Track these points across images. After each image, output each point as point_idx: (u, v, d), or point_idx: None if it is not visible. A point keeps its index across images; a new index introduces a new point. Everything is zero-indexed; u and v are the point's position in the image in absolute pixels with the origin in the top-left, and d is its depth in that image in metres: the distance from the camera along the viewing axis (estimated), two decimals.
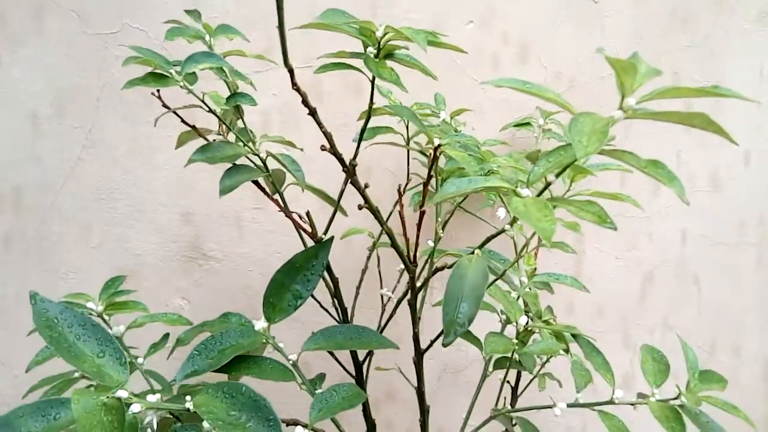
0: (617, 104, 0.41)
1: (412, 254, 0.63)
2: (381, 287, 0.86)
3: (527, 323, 0.67)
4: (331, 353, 0.77)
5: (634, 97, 0.41)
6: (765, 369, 1.16)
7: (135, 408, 0.47)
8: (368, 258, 0.84)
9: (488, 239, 0.56)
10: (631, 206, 1.09)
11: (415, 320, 0.66)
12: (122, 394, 0.47)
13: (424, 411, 0.69)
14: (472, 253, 0.57)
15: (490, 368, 0.76)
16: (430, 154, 0.59)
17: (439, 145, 0.59)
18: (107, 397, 0.42)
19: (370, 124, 0.64)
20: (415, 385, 0.69)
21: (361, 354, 0.77)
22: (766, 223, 1.13)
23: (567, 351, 0.76)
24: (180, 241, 0.99)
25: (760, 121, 1.10)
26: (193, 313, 1.00)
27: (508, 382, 0.85)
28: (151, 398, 0.52)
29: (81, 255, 0.97)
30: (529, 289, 0.77)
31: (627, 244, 1.10)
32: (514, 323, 0.68)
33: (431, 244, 0.69)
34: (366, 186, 0.64)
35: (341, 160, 0.61)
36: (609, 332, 1.10)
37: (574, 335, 0.70)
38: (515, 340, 0.67)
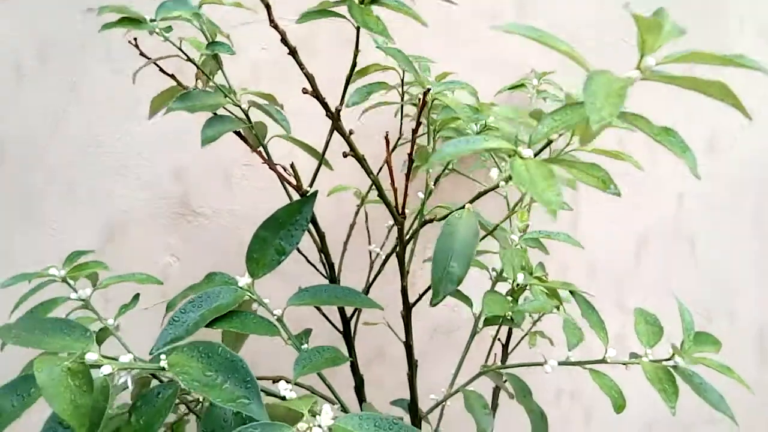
0: (634, 64, 0.38)
1: (400, 206, 0.61)
2: (369, 243, 0.85)
3: (523, 282, 0.66)
4: (320, 310, 0.76)
5: (654, 57, 0.38)
6: (759, 333, 1.15)
7: (105, 369, 0.45)
8: (356, 213, 0.83)
9: (479, 195, 0.54)
10: (628, 167, 1.07)
11: (403, 273, 0.65)
12: (91, 356, 0.46)
13: (412, 365, 0.69)
14: (463, 207, 0.56)
15: (480, 325, 0.75)
16: (419, 100, 0.57)
17: (429, 89, 0.57)
18: (71, 362, 0.40)
19: (363, 82, 0.62)
20: (403, 339, 0.68)
21: (349, 310, 0.76)
22: (763, 187, 1.11)
23: (559, 308, 0.76)
24: (168, 197, 0.97)
25: (762, 87, 1.08)
26: (182, 271, 0.99)
27: (499, 339, 0.84)
28: (124, 358, 0.51)
29: (67, 211, 0.96)
30: (520, 246, 0.75)
31: (623, 206, 1.08)
32: (510, 281, 0.66)
33: (421, 196, 0.67)
34: (351, 132, 0.62)
35: (324, 104, 0.58)
36: (603, 294, 1.09)
37: (571, 292, 0.69)
38: (510, 299, 0.66)
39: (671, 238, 1.10)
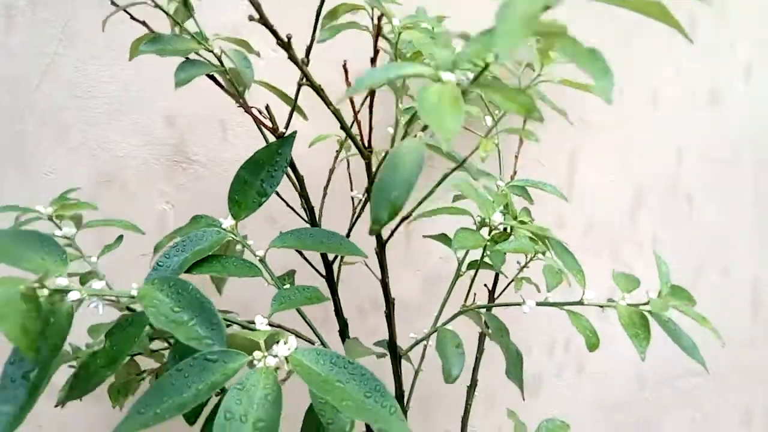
0: None
1: (366, 139, 0.60)
2: (351, 190, 0.84)
3: (503, 221, 0.66)
4: (302, 255, 0.77)
5: None
6: (753, 291, 1.14)
7: (73, 296, 0.46)
8: (335, 158, 0.83)
9: None
10: (627, 121, 1.06)
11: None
12: (62, 281, 0.46)
13: (389, 303, 0.69)
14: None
15: (463, 268, 0.75)
16: (375, 26, 0.56)
17: (382, 16, 0.56)
18: (26, 286, 0.41)
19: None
20: (379, 276, 0.68)
21: (332, 255, 0.76)
22: (764, 142, 1.09)
23: (544, 253, 0.75)
24: (163, 144, 0.98)
25: (764, 35, 1.05)
26: (177, 218, 1.00)
27: (485, 285, 0.84)
28: (96, 285, 0.52)
29: (60, 156, 0.97)
30: (503, 192, 0.75)
31: (620, 160, 1.07)
32: (488, 221, 0.66)
33: (391, 131, 0.67)
34: (305, 62, 0.61)
35: (274, 32, 0.57)
36: (598, 249, 1.09)
37: (546, 238, 0.68)
38: (487, 237, 0.66)
39: (669, 193, 1.09)
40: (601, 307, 0.67)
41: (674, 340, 0.63)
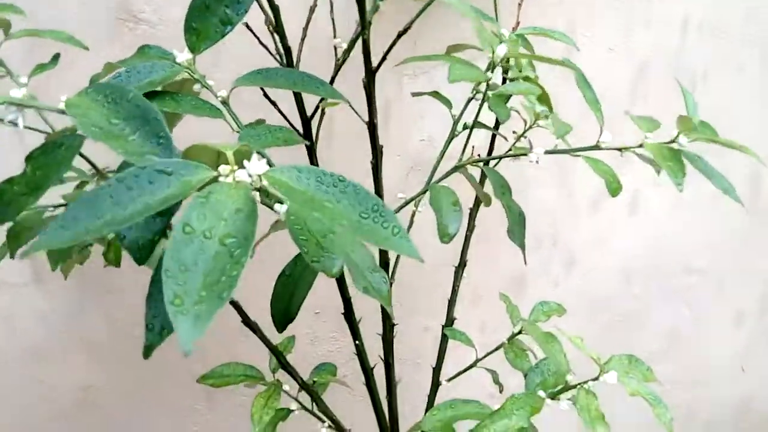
0: None
1: None
2: (334, 37, 0.73)
3: (505, 55, 0.56)
4: (275, 105, 0.66)
5: None
6: (753, 175, 1.08)
7: None
8: None
9: None
10: None
11: (368, 55, 0.55)
12: None
13: (376, 148, 0.59)
14: None
15: (459, 128, 0.65)
16: None
17: None
18: None
19: None
20: (366, 119, 0.58)
21: (309, 106, 0.66)
22: None
23: (548, 117, 0.66)
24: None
25: None
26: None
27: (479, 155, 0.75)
28: (16, 93, 0.41)
29: None
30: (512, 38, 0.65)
31: (621, 32, 0.97)
32: (490, 55, 0.56)
33: None
34: None
35: None
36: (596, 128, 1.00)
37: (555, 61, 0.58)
38: (489, 74, 0.56)
39: (673, 68, 1.00)
40: (620, 150, 0.58)
41: (708, 178, 0.56)
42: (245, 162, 0.40)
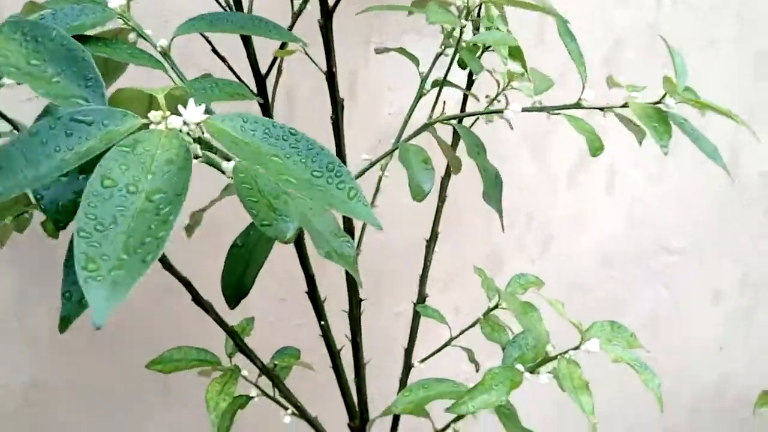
0: None
1: None
2: None
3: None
4: (225, 60, 0.60)
5: None
6: (732, 151, 1.05)
7: None
8: None
9: None
10: None
11: None
12: None
13: (336, 104, 0.54)
14: None
15: (427, 86, 0.60)
16: None
17: None
18: None
19: None
20: (325, 69, 0.52)
21: (263, 64, 0.60)
22: None
23: (523, 74, 0.62)
24: None
25: None
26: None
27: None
28: None
29: None
30: None
31: (593, 4, 0.94)
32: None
33: None
34: None
35: None
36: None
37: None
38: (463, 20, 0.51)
39: (647, 44, 0.97)
40: (603, 110, 0.54)
41: (693, 142, 0.52)
42: (180, 108, 0.35)
